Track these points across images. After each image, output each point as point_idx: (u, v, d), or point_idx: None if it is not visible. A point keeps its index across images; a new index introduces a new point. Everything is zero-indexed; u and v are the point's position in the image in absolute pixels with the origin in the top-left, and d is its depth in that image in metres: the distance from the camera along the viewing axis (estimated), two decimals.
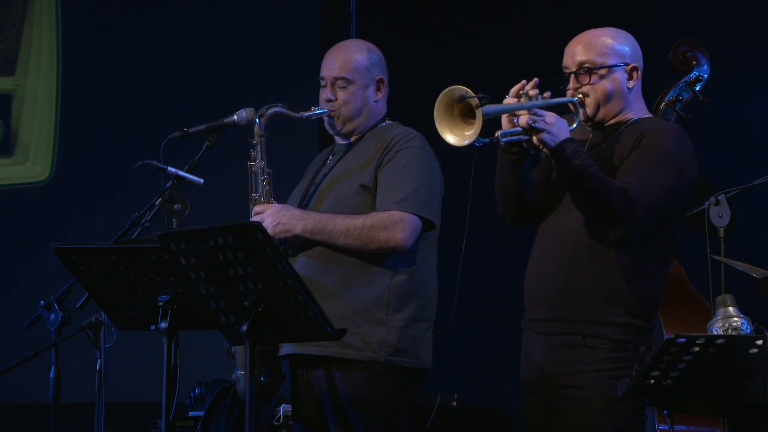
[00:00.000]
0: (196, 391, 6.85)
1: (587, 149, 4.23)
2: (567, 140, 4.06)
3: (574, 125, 4.19)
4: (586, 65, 4.24)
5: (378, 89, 4.67)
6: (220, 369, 6.12)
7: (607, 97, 4.24)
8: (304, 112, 4.62)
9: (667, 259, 4.26)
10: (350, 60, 4.64)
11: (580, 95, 4.24)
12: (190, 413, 6.76)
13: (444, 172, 4.61)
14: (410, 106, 4.97)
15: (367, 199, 4.51)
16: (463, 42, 7.70)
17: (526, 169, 4.24)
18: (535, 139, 4.06)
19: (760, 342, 3.59)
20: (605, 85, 4.23)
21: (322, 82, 4.67)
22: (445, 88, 4.02)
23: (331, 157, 4.73)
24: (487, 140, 4.01)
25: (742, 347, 3.62)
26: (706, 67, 5.20)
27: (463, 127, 4.01)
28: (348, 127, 4.65)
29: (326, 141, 4.89)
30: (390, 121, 4.70)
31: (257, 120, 4.56)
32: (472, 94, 3.97)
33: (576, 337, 4.14)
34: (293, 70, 7.84)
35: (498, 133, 4.05)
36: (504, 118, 4.09)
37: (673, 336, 3.61)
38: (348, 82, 4.62)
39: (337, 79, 4.63)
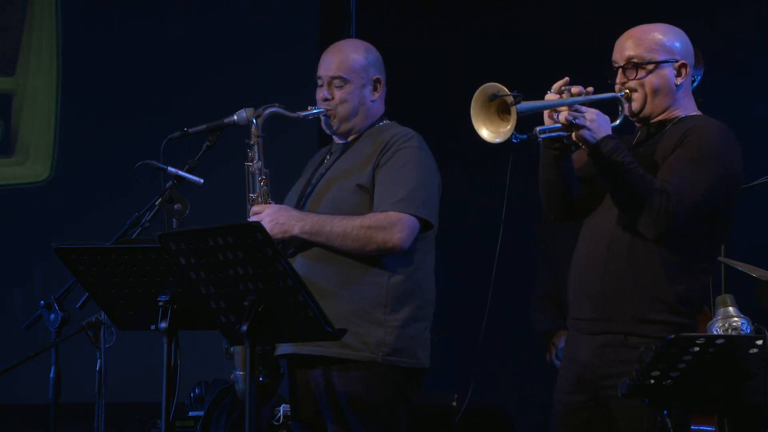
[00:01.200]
0: (196, 391, 6.85)
1: (634, 145, 4.19)
2: (607, 137, 4.01)
3: (618, 121, 4.14)
4: (634, 60, 4.18)
5: (375, 89, 4.67)
6: (220, 369, 6.12)
7: (654, 93, 4.18)
8: (300, 112, 4.62)
9: (713, 257, 4.19)
10: (347, 59, 4.64)
11: (627, 90, 4.19)
12: (190, 413, 6.76)
13: (452, 179, 4.60)
14: (409, 106, 4.98)
15: (365, 199, 4.51)
16: (463, 42, 7.70)
17: (568, 165, 4.18)
18: (574, 135, 4.02)
19: (760, 342, 3.60)
20: (652, 80, 4.18)
21: (319, 82, 4.67)
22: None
23: (328, 156, 4.73)
24: (524, 137, 3.96)
25: (742, 347, 3.62)
26: (701, 68, 5.18)
27: (499, 123, 3.96)
28: (344, 127, 4.65)
29: (325, 140, 4.89)
30: (388, 121, 4.69)
31: (254, 120, 4.56)
32: (507, 91, 3.92)
33: (618, 336, 4.08)
34: (293, 70, 7.84)
35: (536, 130, 4.00)
36: (545, 114, 4.05)
37: (673, 336, 3.61)
38: (345, 81, 4.63)
39: (333, 78, 4.63)
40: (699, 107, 4.31)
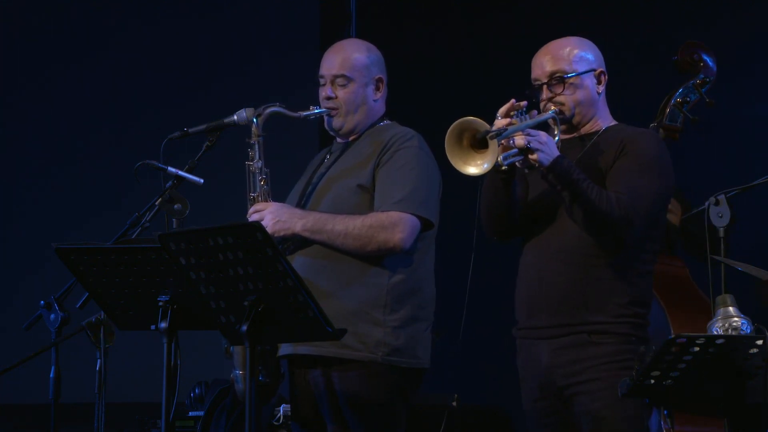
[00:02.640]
0: (196, 391, 6.85)
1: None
2: (560, 157, 4.17)
3: (556, 138, 4.28)
4: (558, 75, 4.35)
5: (377, 88, 4.67)
6: (220, 369, 6.12)
7: (581, 104, 4.35)
8: (302, 112, 4.62)
9: (655, 256, 4.38)
10: (350, 58, 4.64)
11: (554, 105, 4.34)
12: (190, 413, 6.76)
13: (452, 179, 4.62)
14: (409, 107, 4.97)
15: (365, 199, 4.51)
16: (463, 42, 7.70)
17: (515, 187, 4.33)
18: (531, 158, 4.15)
19: (760, 342, 3.60)
20: (578, 92, 4.35)
21: (321, 81, 4.67)
22: (454, 121, 4.14)
23: (328, 156, 4.73)
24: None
25: (742, 347, 3.62)
26: (713, 69, 5.23)
27: (474, 156, 4.12)
28: (347, 126, 4.65)
29: (326, 140, 4.89)
30: (388, 121, 4.69)
31: (254, 120, 4.56)
32: (488, 127, 4.07)
33: (582, 335, 4.22)
34: (293, 70, 7.84)
35: (500, 158, 4.14)
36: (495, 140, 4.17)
37: (673, 336, 3.61)
38: (347, 80, 4.63)
39: (336, 77, 4.63)
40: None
